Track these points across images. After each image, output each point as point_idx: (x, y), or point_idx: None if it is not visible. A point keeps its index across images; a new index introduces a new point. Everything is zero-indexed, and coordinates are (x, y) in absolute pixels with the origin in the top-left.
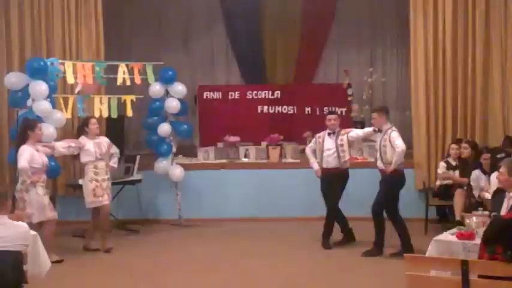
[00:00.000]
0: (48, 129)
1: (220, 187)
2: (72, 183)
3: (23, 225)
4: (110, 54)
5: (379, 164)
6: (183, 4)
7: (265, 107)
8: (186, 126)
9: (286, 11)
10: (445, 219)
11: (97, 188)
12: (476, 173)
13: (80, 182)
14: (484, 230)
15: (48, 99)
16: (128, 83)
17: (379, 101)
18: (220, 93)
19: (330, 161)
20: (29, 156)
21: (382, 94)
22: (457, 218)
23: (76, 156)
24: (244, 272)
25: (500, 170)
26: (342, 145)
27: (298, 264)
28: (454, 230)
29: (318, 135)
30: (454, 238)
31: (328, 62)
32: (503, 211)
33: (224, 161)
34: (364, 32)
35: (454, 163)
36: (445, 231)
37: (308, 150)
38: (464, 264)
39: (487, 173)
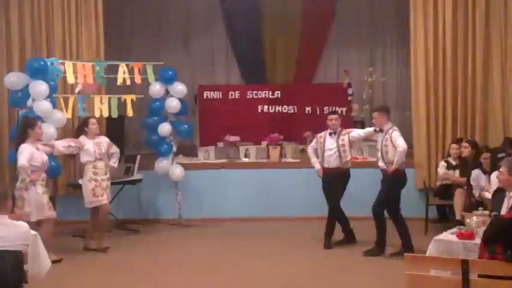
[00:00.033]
0: (48, 129)
1: (220, 187)
2: (72, 183)
3: (23, 225)
4: (110, 54)
5: (381, 163)
6: (183, 4)
7: (266, 107)
8: (186, 126)
9: (286, 10)
10: (445, 218)
11: (96, 188)
12: (476, 173)
13: (80, 181)
14: (484, 230)
15: (49, 99)
16: (128, 82)
17: (379, 101)
18: (221, 93)
19: (331, 160)
20: (29, 154)
21: (382, 94)
22: (457, 217)
23: (74, 156)
24: (244, 272)
25: (501, 169)
26: (343, 145)
27: (298, 264)
28: (454, 229)
29: (319, 135)
30: (454, 238)
31: (328, 61)
32: (504, 211)
33: (224, 160)
34: (364, 31)
35: (454, 163)
36: (445, 230)
37: (310, 149)
38: (465, 264)
39: (487, 173)
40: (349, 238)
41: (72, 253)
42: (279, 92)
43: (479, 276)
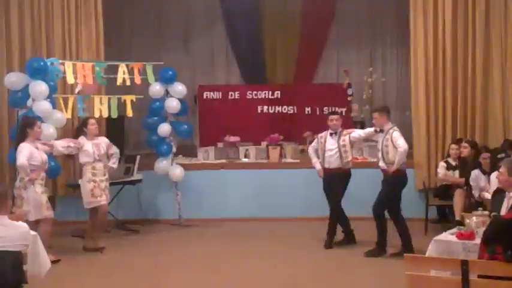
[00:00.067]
0: (48, 130)
1: (220, 187)
2: (72, 183)
3: (23, 225)
4: (110, 54)
5: (381, 164)
6: (183, 4)
7: (265, 107)
8: (186, 126)
9: (286, 11)
10: (445, 219)
11: (95, 189)
12: (475, 173)
13: (80, 182)
14: (484, 230)
15: (48, 99)
16: (128, 83)
17: (379, 101)
18: (220, 93)
19: (332, 161)
20: (28, 153)
21: (382, 94)
22: (457, 218)
23: (72, 156)
24: (244, 272)
25: (500, 170)
26: (344, 145)
27: (298, 264)
28: (454, 230)
29: (320, 135)
30: (454, 238)
31: (328, 61)
32: (503, 211)
33: (224, 161)
34: (364, 31)
35: (454, 163)
36: (445, 231)
37: (310, 150)
38: (464, 264)
39: (487, 173)
40: (349, 239)
41: (71, 253)
42: (279, 92)
43: (479, 276)
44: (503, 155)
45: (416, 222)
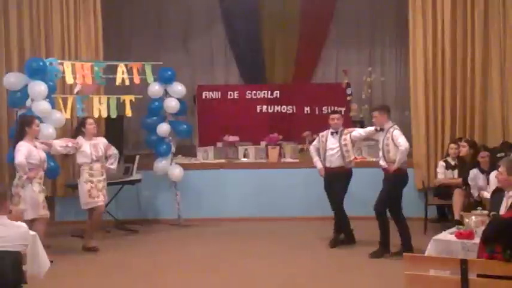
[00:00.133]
0: (47, 130)
1: (219, 187)
2: (71, 183)
3: (23, 225)
4: (109, 54)
5: (382, 162)
6: (182, 4)
7: (264, 107)
8: (185, 126)
9: (285, 10)
10: (445, 218)
11: (92, 189)
12: (474, 172)
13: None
14: (483, 230)
15: (48, 100)
16: (127, 83)
17: (378, 101)
18: (220, 93)
19: (333, 160)
20: (27, 151)
21: (381, 94)
22: (456, 217)
23: (70, 156)
24: (243, 271)
25: (499, 169)
26: (345, 145)
27: (297, 264)
28: (453, 229)
29: (321, 134)
30: (453, 237)
31: (327, 61)
32: (502, 210)
33: (223, 160)
34: (363, 31)
35: (453, 162)
36: (444, 230)
37: (312, 148)
38: (464, 264)
39: (485, 172)
40: (349, 239)
41: (71, 253)
42: (278, 92)
43: (478, 275)
44: (502, 154)
45: (416, 221)
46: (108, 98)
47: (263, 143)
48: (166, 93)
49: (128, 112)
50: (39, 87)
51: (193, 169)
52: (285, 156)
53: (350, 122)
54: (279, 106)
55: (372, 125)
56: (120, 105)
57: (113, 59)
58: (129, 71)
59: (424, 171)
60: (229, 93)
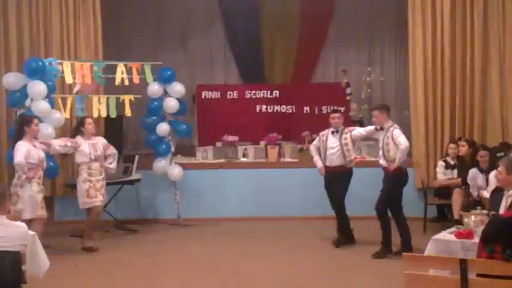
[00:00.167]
0: (46, 130)
1: (218, 186)
2: (70, 183)
3: (22, 225)
4: (108, 53)
5: (382, 161)
6: (181, 4)
7: (264, 107)
8: (184, 125)
9: (284, 10)
10: (444, 217)
11: (90, 189)
12: (473, 172)
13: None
14: (483, 229)
15: (47, 99)
16: (127, 82)
17: (378, 100)
18: (219, 92)
19: (334, 159)
20: (26, 151)
21: (380, 93)
22: (456, 217)
23: (69, 156)
24: (242, 271)
25: (499, 168)
26: (346, 144)
27: (297, 263)
28: (453, 229)
29: (321, 133)
30: (452, 237)
31: (326, 61)
32: (502, 210)
33: (223, 160)
34: (363, 31)
35: (452, 162)
36: (444, 230)
37: (312, 147)
38: (463, 263)
39: (484, 171)
40: (349, 238)
41: (70, 253)
42: (277, 91)
43: (478, 275)
44: (502, 154)
45: (415, 221)
46: (108, 98)
47: (262, 143)
48: (165, 93)
49: (128, 112)
50: (38, 87)
51: (192, 169)
52: (285, 156)
53: (349, 122)
54: (279, 106)
55: (371, 125)
56: (120, 105)
57: (112, 59)
58: (129, 71)
59: (424, 170)
60: (228, 93)
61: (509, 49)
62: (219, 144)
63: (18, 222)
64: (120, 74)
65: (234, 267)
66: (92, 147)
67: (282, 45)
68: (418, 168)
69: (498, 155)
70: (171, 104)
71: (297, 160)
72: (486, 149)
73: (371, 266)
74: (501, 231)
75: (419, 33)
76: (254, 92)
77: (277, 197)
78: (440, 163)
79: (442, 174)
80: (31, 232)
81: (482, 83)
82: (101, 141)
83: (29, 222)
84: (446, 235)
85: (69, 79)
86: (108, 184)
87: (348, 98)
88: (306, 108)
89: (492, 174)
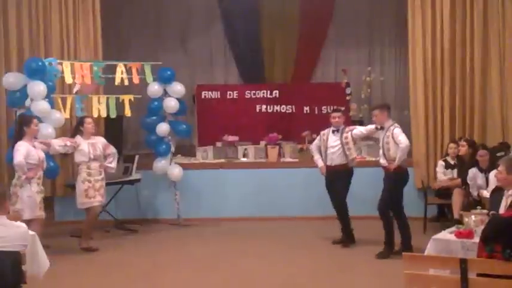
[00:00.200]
0: (46, 130)
1: (219, 186)
2: (70, 183)
3: (22, 225)
4: (108, 54)
5: (382, 161)
6: (181, 4)
7: (264, 106)
8: (184, 125)
9: (284, 10)
10: (445, 217)
11: (89, 189)
12: (473, 171)
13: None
14: (483, 229)
15: (47, 100)
16: (126, 82)
17: (378, 100)
18: (219, 92)
19: (334, 158)
20: (25, 151)
21: (380, 93)
22: (456, 216)
23: (68, 155)
24: (243, 271)
25: (499, 168)
26: (347, 143)
27: (297, 263)
28: (453, 228)
29: (322, 132)
30: (452, 237)
31: (326, 61)
32: (502, 209)
33: (223, 160)
34: (363, 31)
35: (452, 162)
36: (444, 230)
37: (313, 147)
38: (463, 263)
39: (484, 171)
40: (348, 238)
41: (70, 253)
42: (277, 91)
43: (478, 275)
44: (502, 153)
45: (415, 220)
46: (108, 98)
47: (262, 143)
48: (165, 93)
49: (127, 112)
50: (38, 87)
51: (192, 169)
52: (285, 156)
53: (349, 122)
54: (279, 106)
55: (371, 124)
56: (120, 105)
57: (112, 59)
58: (128, 71)
59: (424, 170)
60: (228, 93)
61: (509, 49)
62: (219, 144)
63: (19, 223)
64: (120, 74)
65: (234, 267)
66: (91, 146)
67: (282, 45)
68: (418, 168)
69: (498, 154)
70: (171, 104)
71: (297, 160)
72: (486, 148)
73: (371, 265)
74: (501, 230)
75: (419, 33)
76: (254, 92)
77: (277, 197)
78: (441, 163)
79: (442, 174)
80: (31, 232)
81: (482, 83)
82: (100, 140)
83: (28, 223)
84: (447, 235)
85: (69, 79)
86: (108, 184)
87: (348, 98)
88: (306, 108)
89: (492, 174)
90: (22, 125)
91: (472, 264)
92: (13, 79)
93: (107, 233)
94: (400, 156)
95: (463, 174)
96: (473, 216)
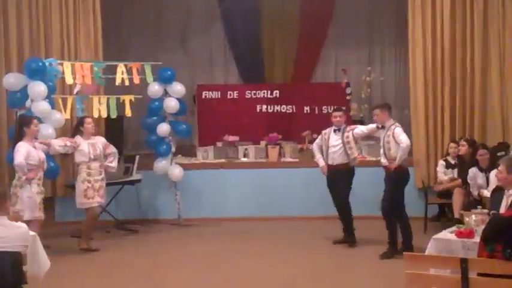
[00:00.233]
0: (47, 130)
1: (219, 187)
2: (70, 183)
3: (23, 225)
4: (108, 54)
5: (383, 160)
6: (181, 4)
7: (264, 106)
8: (185, 126)
9: (284, 10)
10: (445, 216)
11: (88, 189)
12: (473, 171)
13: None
14: (483, 228)
15: (47, 100)
16: (127, 83)
17: (378, 100)
18: (219, 92)
19: (335, 157)
20: (25, 152)
21: (380, 93)
22: (456, 216)
23: (68, 156)
24: (243, 271)
25: (499, 168)
26: (348, 142)
27: (297, 263)
28: (453, 228)
29: (324, 131)
30: (453, 236)
31: (326, 61)
32: (502, 209)
33: (223, 160)
34: (363, 31)
35: (453, 162)
36: (445, 229)
37: (315, 146)
38: (464, 263)
39: (484, 170)
40: (349, 238)
41: (70, 253)
42: (278, 91)
43: (479, 274)
44: (503, 153)
45: (416, 220)
46: (108, 98)
47: (263, 143)
48: (166, 93)
49: (128, 112)
50: (38, 88)
51: (193, 169)
52: (285, 156)
53: (350, 122)
54: (279, 106)
55: (372, 124)
56: (120, 105)
57: (112, 59)
58: (129, 71)
59: (424, 170)
60: (228, 93)
61: (509, 49)
62: (219, 144)
63: (19, 223)
64: (121, 74)
65: (234, 267)
66: (91, 146)
67: (282, 45)
68: (418, 167)
69: (499, 154)
70: (171, 104)
71: (297, 160)
72: (486, 148)
73: (371, 265)
74: (502, 230)
75: (419, 33)
76: (254, 92)
77: (277, 197)
78: (441, 162)
79: (443, 174)
80: (32, 233)
81: (482, 83)
82: (100, 140)
83: (26, 223)
84: (447, 234)
85: (69, 80)
86: (108, 184)
87: (348, 97)
88: (306, 108)
89: (493, 174)
90: (22, 126)
91: (472, 263)
92: (13, 80)
93: (107, 233)
94: (400, 156)
95: (463, 174)
96: (473, 216)
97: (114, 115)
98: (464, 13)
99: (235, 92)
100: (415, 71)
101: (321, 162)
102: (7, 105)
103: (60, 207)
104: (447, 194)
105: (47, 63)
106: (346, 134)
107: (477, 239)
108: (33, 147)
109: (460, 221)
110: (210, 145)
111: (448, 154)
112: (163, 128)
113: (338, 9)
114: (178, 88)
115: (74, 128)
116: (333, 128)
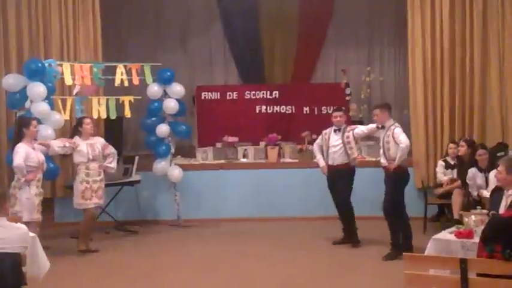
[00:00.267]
0: (46, 131)
1: (218, 187)
2: (70, 184)
3: (22, 226)
4: (108, 54)
5: (383, 160)
6: (180, 4)
7: (264, 107)
8: (184, 126)
9: (284, 10)
10: (445, 216)
11: (86, 190)
12: (472, 171)
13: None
14: (483, 229)
15: (47, 101)
16: (126, 84)
17: (377, 100)
18: (219, 93)
19: (336, 157)
20: (25, 154)
21: (380, 93)
22: (456, 216)
23: (68, 157)
24: (243, 272)
25: (499, 168)
26: (348, 142)
27: (297, 264)
28: (453, 228)
29: (324, 131)
30: (452, 237)
31: (326, 61)
32: (502, 209)
33: (223, 161)
34: (362, 31)
35: (452, 162)
36: (444, 230)
37: (315, 146)
38: (463, 263)
39: (483, 170)
40: (349, 238)
41: (70, 254)
42: (277, 92)
43: (478, 275)
44: (502, 153)
45: (415, 220)
46: (107, 99)
47: (262, 143)
48: (165, 94)
49: (127, 113)
50: (38, 89)
51: (192, 170)
52: (284, 157)
53: (349, 122)
54: (278, 106)
55: (372, 124)
56: (119, 106)
57: (112, 59)
58: (128, 72)
59: (424, 170)
60: (228, 93)
61: (509, 49)
62: (219, 145)
63: (19, 224)
64: (120, 75)
65: (234, 268)
66: (89, 147)
67: (281, 45)
68: (418, 168)
69: (498, 154)
70: (170, 105)
71: (296, 160)
72: (485, 148)
73: (371, 266)
74: (501, 230)
75: (419, 33)
76: (254, 92)
77: (277, 197)
78: (440, 163)
79: (442, 174)
80: (31, 234)
81: (481, 83)
82: (99, 141)
83: (25, 225)
84: (447, 235)
85: (68, 81)
86: (108, 185)
87: (347, 98)
88: (306, 109)
89: (492, 174)
90: (21, 127)
91: (472, 264)
92: (13, 80)
93: (106, 234)
94: (400, 156)
95: (462, 175)
96: (473, 216)
97: (113, 116)
98: (463, 13)
99: (234, 92)
100: (414, 71)
101: (322, 163)
102: (6, 106)
103: (59, 208)
104: (447, 194)
105: (46, 64)
106: (346, 134)
107: (476, 239)
108: (32, 148)
109: (459, 222)
110: (209, 146)
111: (447, 154)
112: (163, 129)
113: (338, 9)
114: (177, 89)
115: (72, 129)
116: (333, 128)
